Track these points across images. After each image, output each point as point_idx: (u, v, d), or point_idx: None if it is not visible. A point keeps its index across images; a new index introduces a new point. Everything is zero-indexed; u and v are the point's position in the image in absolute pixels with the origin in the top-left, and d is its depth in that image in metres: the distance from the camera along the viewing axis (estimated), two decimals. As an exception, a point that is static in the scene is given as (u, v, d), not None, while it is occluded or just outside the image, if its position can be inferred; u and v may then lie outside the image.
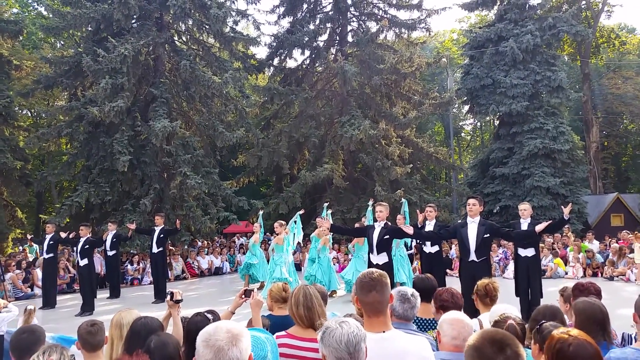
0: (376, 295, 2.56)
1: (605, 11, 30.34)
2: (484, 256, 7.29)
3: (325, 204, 14.15)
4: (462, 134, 43.53)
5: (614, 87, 32.08)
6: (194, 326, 3.09)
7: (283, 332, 3.18)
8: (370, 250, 8.08)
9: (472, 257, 7.18)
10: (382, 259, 7.84)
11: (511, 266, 13.32)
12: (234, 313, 3.73)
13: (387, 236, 7.86)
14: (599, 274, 14.01)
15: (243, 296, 3.67)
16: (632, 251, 13.69)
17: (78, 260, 11.66)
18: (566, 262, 14.90)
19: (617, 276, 13.56)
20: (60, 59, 19.51)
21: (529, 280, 8.01)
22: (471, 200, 7.45)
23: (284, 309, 4.10)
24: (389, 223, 8.15)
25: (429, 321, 3.97)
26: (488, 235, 7.24)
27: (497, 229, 7.54)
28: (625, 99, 31.38)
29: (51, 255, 12.00)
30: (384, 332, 2.54)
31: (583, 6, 28.11)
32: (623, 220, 23.23)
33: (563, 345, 2.11)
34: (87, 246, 11.52)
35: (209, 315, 3.33)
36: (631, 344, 3.56)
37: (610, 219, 23.35)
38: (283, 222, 12.10)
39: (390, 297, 2.64)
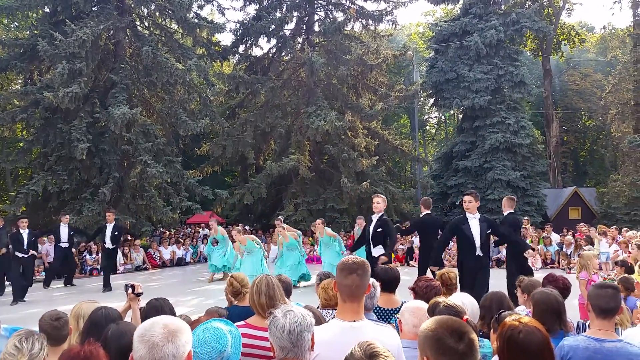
0: (356, 279, 2.53)
1: (566, 9, 31.15)
2: (487, 251, 7.25)
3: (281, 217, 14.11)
4: (427, 127, 44.11)
5: (573, 84, 33.09)
6: (153, 310, 3.06)
7: (242, 322, 3.13)
8: (367, 243, 8.19)
9: (478, 252, 7.02)
10: (378, 251, 7.93)
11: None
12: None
13: (380, 229, 7.90)
14: (557, 266, 14.41)
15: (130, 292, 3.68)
16: (588, 244, 14.10)
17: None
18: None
19: (573, 267, 13.96)
20: (14, 40, 18.73)
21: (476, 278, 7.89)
22: (467, 197, 7.26)
23: (244, 300, 4.04)
24: (385, 216, 8.23)
25: (391, 311, 3.98)
26: (489, 231, 7.19)
27: (496, 228, 7.46)
28: (584, 95, 32.43)
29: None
30: (354, 321, 2.51)
31: (545, 3, 28.74)
32: (580, 214, 23.99)
33: (513, 332, 2.16)
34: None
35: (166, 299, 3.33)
36: (584, 331, 3.66)
37: (569, 212, 24.07)
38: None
39: (368, 287, 2.60)
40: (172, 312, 3.26)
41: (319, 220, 12.20)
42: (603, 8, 70.11)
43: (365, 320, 2.59)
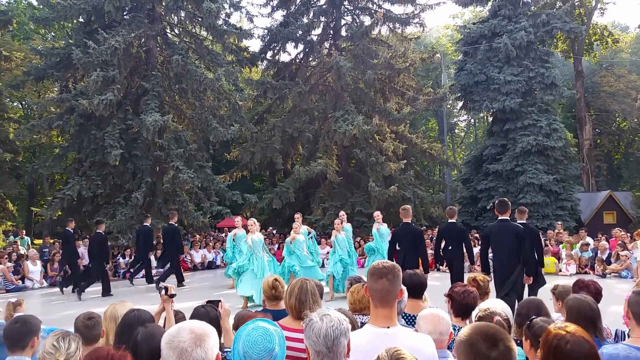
0: (386, 283, 2.52)
1: (599, 9, 30.38)
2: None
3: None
4: (456, 130, 43.65)
5: (606, 85, 32.22)
6: (197, 319, 3.08)
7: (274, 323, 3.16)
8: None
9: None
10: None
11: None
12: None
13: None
14: (591, 272, 14.05)
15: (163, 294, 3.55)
16: (624, 249, 13.74)
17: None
18: (559, 260, 14.92)
19: (610, 273, 13.63)
20: (50, 50, 19.32)
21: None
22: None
23: (278, 304, 4.07)
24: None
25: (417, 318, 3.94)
26: None
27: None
28: (618, 97, 31.54)
29: None
30: (388, 327, 2.49)
31: (577, 3, 28.12)
32: (615, 218, 23.35)
33: (560, 341, 2.09)
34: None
35: (216, 308, 3.33)
36: (624, 340, 3.55)
37: (603, 217, 23.46)
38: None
39: (400, 292, 2.59)
40: (215, 320, 3.28)
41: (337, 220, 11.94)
42: (638, 7, 68.17)
43: (399, 327, 2.56)
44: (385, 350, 1.92)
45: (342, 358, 2.16)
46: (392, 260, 8.55)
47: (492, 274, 7.31)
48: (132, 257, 16.04)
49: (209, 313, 3.29)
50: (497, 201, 7.64)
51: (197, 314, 3.30)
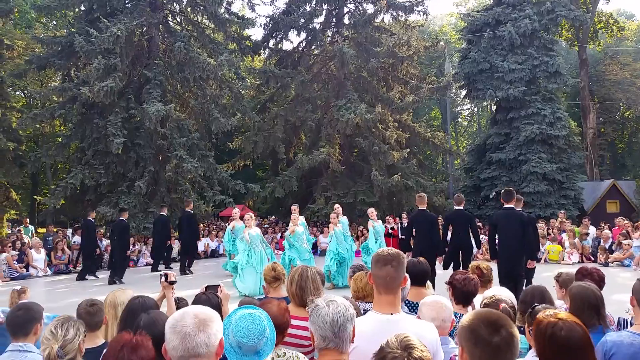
0: (390, 270, 2.53)
1: (605, -4, 30.12)
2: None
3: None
4: (459, 119, 43.50)
5: (611, 74, 31.99)
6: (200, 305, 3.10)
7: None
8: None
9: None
10: None
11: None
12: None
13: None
14: (593, 260, 14.06)
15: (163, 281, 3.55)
16: (627, 237, 13.72)
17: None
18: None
19: (612, 262, 13.63)
20: (52, 39, 19.28)
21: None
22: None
23: (279, 289, 4.09)
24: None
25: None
26: None
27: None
28: (623, 86, 31.33)
29: None
30: (391, 314, 2.50)
31: (582, -10, 27.89)
32: (619, 207, 23.29)
33: (555, 329, 2.08)
34: None
35: (217, 295, 3.33)
36: (626, 327, 3.56)
37: (606, 206, 23.41)
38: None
39: (404, 279, 2.59)
40: (217, 307, 3.29)
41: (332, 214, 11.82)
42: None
43: (402, 314, 2.57)
44: (395, 335, 1.92)
45: (348, 344, 2.17)
46: (409, 245, 9.22)
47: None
48: (135, 246, 16.23)
49: (211, 300, 3.30)
50: (503, 190, 8.02)
51: (199, 301, 3.30)
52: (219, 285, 3.55)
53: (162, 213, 14.79)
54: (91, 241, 13.46)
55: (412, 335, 1.94)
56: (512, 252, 7.50)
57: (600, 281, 3.91)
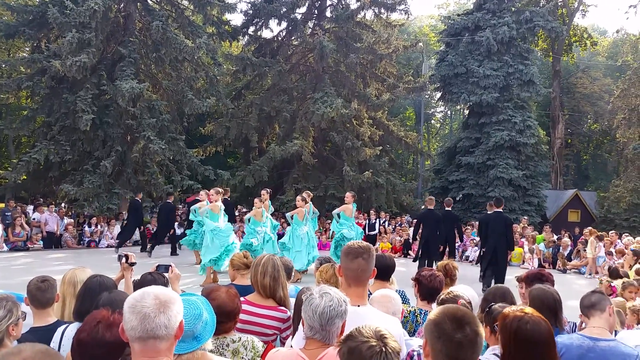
0: (362, 263, 2.54)
1: (581, 10, 30.85)
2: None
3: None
4: (432, 121, 43.96)
5: (581, 87, 32.88)
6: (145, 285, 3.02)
7: (242, 299, 3.16)
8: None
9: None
10: None
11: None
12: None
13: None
14: (552, 266, 14.43)
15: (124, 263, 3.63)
16: (585, 246, 14.15)
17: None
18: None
19: (570, 269, 14.04)
20: (24, 7, 18.59)
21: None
22: None
23: (245, 277, 4.05)
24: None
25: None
26: None
27: None
28: (591, 99, 32.24)
29: None
30: (358, 306, 2.51)
31: (560, 3, 28.48)
32: (579, 217, 24.01)
33: (520, 323, 2.13)
34: None
35: (163, 275, 3.29)
36: (575, 331, 3.70)
37: (568, 214, 24.08)
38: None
39: (373, 272, 2.60)
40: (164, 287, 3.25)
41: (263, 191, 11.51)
42: (618, 12, 69.57)
43: (369, 306, 2.58)
44: (365, 325, 1.92)
45: (334, 338, 2.15)
46: (417, 240, 11.59)
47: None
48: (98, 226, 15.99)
49: (157, 280, 3.24)
50: (495, 197, 11.78)
51: (144, 281, 3.24)
52: (170, 265, 3.53)
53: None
54: (139, 220, 15.31)
55: (381, 327, 1.94)
56: (497, 244, 9.96)
57: (549, 283, 3.99)
